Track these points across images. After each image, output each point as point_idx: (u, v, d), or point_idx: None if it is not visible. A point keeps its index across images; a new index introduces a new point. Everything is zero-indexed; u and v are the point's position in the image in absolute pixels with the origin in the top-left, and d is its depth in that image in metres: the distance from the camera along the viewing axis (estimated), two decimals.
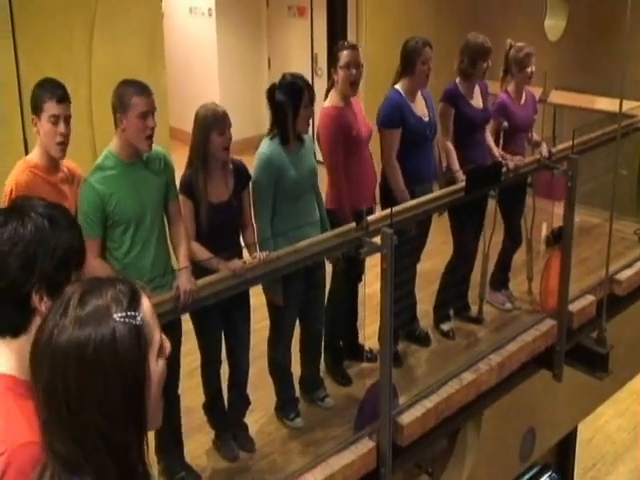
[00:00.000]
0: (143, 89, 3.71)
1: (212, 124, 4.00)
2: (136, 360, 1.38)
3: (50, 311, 1.42)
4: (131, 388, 1.37)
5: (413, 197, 4.85)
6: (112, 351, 1.35)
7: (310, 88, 4.43)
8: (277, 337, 4.64)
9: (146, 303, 1.44)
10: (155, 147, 3.92)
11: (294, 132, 4.38)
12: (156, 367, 1.43)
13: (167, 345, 1.47)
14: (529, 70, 5.52)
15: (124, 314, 1.38)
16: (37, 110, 3.62)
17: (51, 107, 3.59)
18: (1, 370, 1.69)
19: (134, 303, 1.41)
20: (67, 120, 3.65)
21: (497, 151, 5.48)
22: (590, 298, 5.72)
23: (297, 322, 4.71)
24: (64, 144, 3.66)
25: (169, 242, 4.04)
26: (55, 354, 1.35)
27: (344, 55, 4.74)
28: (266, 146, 4.39)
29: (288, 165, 4.36)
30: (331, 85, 4.87)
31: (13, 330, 1.71)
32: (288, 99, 4.30)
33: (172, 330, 3.65)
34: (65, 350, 1.34)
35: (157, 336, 1.44)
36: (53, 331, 1.36)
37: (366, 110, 5.14)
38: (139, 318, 1.39)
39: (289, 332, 4.65)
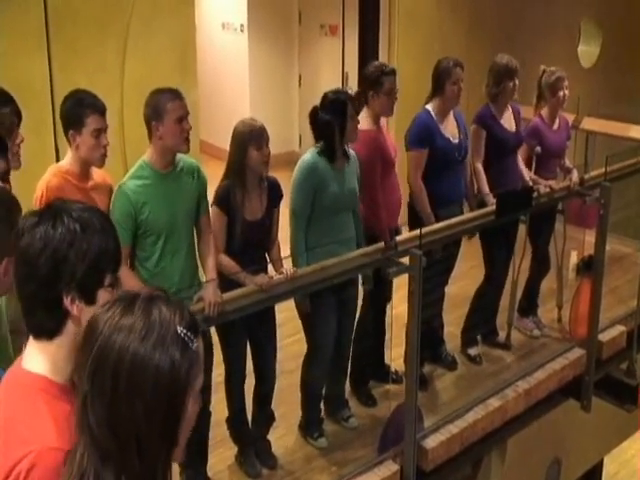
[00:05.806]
0: (176, 94, 3.73)
1: (249, 139, 3.98)
2: (184, 383, 1.38)
3: (112, 301, 1.43)
4: (174, 406, 1.38)
5: (437, 220, 4.79)
6: (168, 369, 1.36)
7: (352, 98, 4.39)
8: (314, 356, 4.56)
9: (201, 341, 1.45)
10: (189, 159, 3.92)
11: (342, 147, 4.36)
12: (192, 407, 1.43)
13: (200, 398, 1.47)
14: (561, 94, 5.46)
15: (186, 331, 1.39)
16: (77, 125, 3.56)
17: (94, 121, 3.56)
18: (36, 371, 1.67)
19: (195, 329, 1.42)
20: (106, 131, 3.65)
21: (529, 175, 5.41)
22: (620, 328, 5.63)
23: None
24: (106, 155, 3.66)
25: (197, 255, 4.01)
26: (108, 351, 1.36)
27: (389, 81, 4.68)
28: (312, 155, 4.36)
29: (331, 178, 4.33)
30: (360, 105, 4.72)
31: (48, 333, 1.69)
32: (334, 117, 4.27)
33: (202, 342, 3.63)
34: (119, 352, 1.35)
35: (200, 379, 1.44)
36: (110, 325, 1.37)
37: (396, 130, 5.10)
38: (196, 345, 1.41)
39: (327, 351, 4.54)
